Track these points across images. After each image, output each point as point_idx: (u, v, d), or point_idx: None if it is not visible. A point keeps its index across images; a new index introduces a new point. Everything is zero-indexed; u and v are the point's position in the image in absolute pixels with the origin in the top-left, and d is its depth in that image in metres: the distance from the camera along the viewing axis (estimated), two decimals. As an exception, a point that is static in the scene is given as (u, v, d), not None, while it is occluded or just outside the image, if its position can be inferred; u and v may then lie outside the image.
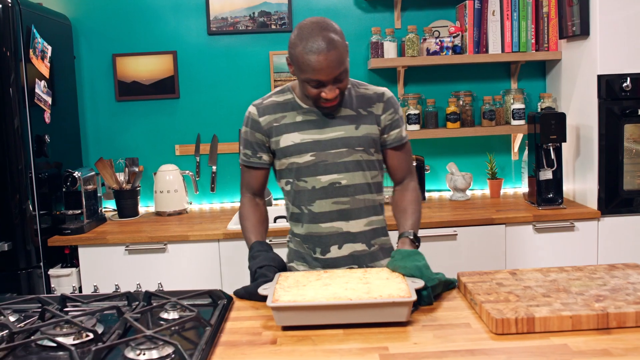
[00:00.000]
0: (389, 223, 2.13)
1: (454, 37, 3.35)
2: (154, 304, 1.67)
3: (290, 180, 2.04)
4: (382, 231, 2.11)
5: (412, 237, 1.95)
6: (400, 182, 2.14)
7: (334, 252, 2.03)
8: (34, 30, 2.95)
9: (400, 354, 1.37)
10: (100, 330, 1.51)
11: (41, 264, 2.94)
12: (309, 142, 1.99)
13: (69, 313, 1.66)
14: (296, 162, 2.00)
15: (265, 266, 1.86)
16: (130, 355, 1.36)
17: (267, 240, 2.91)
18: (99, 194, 3.29)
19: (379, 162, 2.08)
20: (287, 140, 2.00)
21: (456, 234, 2.97)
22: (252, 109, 2.06)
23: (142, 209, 3.56)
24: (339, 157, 1.99)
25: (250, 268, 1.91)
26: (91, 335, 1.46)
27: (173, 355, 1.35)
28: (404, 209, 2.07)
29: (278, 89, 2.09)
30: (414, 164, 2.48)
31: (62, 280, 2.94)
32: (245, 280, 2.93)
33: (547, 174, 3.14)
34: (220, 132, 3.61)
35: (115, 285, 1.86)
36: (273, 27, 3.54)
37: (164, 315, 1.62)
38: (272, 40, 3.57)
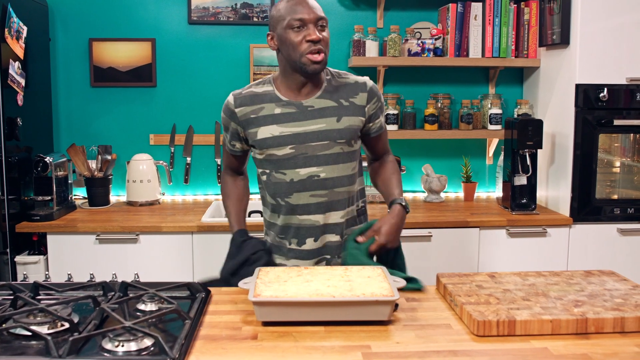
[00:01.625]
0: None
1: (436, 39, 3.37)
2: (131, 295, 1.64)
3: (267, 171, 2.04)
4: (353, 220, 2.11)
5: (404, 204, 2.01)
6: (379, 158, 2.20)
7: (309, 244, 2.04)
8: (10, 10, 2.87)
9: (384, 352, 1.37)
10: (75, 319, 1.47)
11: (8, 250, 2.86)
12: (288, 134, 1.97)
13: (42, 301, 1.61)
14: (275, 154, 1.99)
15: (259, 251, 1.90)
16: (108, 346, 1.33)
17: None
18: (69, 181, 3.22)
19: (358, 151, 2.09)
20: (265, 132, 1.99)
21: (431, 236, 2.98)
22: (230, 98, 2.06)
23: (113, 197, 3.50)
24: (319, 150, 1.98)
25: (235, 254, 1.95)
26: (67, 325, 1.42)
27: (152, 348, 1.33)
28: (388, 179, 2.13)
29: (259, 80, 2.08)
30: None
31: (29, 268, 2.87)
32: (218, 274, 2.91)
33: (521, 180, 3.17)
34: (197, 123, 3.57)
35: (91, 274, 1.82)
36: (255, 19, 3.51)
37: (142, 307, 1.59)
38: (253, 32, 3.54)
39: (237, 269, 1.92)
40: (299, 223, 2.03)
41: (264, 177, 2.06)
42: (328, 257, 2.06)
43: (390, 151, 2.22)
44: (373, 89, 2.06)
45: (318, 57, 1.91)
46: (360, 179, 2.14)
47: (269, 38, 1.98)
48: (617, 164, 3.33)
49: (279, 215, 2.06)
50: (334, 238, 2.05)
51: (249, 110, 2.01)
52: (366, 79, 2.08)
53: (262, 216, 2.20)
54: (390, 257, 2.00)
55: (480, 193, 3.71)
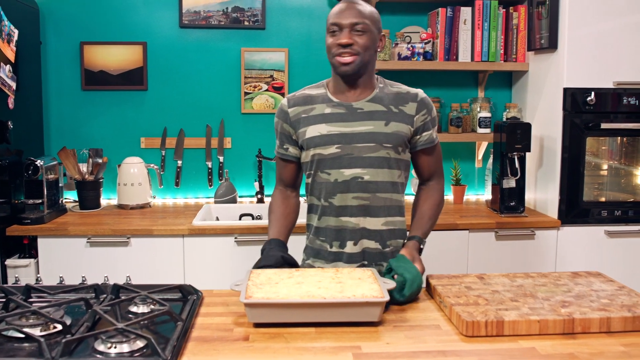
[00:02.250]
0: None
1: (426, 43, 3.40)
2: (123, 297, 1.65)
3: (312, 172, 2.04)
4: (400, 233, 2.07)
5: (420, 243, 1.98)
6: (426, 181, 2.14)
7: (349, 247, 2.02)
8: (1, 13, 2.87)
9: (374, 353, 1.38)
10: (68, 322, 1.48)
11: (-2, 253, 2.86)
12: (335, 134, 1.99)
13: (34, 304, 1.62)
14: (321, 154, 2.00)
15: (264, 267, 1.85)
16: (101, 348, 1.34)
17: (234, 238, 2.90)
18: (60, 184, 3.21)
19: (406, 162, 2.06)
20: (314, 131, 2.01)
21: (421, 238, 3.00)
22: (284, 101, 2.10)
23: (104, 201, 3.49)
24: (365, 152, 1.98)
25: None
26: (59, 327, 1.43)
27: (145, 350, 1.34)
28: (423, 213, 2.08)
29: (315, 84, 2.11)
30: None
31: (20, 271, 2.87)
32: (209, 277, 2.92)
33: (510, 183, 3.20)
34: (187, 126, 3.58)
35: (82, 277, 1.82)
36: (246, 23, 3.52)
37: (134, 309, 1.60)
38: (245, 36, 3.55)
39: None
40: (340, 225, 2.02)
41: (309, 180, 2.07)
42: (366, 263, 2.03)
43: (441, 174, 2.16)
44: (425, 100, 2.05)
45: (346, 59, 1.93)
46: (404, 195, 2.09)
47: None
48: (605, 166, 3.36)
49: (321, 217, 2.05)
50: (372, 245, 2.02)
51: (301, 110, 2.04)
52: (419, 90, 2.07)
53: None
54: None
55: (470, 196, 3.73)
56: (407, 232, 2.09)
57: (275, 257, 1.90)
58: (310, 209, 2.11)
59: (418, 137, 2.05)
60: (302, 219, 2.17)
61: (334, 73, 2.02)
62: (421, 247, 1.99)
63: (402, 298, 1.72)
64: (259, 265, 1.87)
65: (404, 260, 1.83)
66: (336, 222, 2.02)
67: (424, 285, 1.85)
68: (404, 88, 2.08)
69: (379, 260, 2.03)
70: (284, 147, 2.10)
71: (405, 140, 2.02)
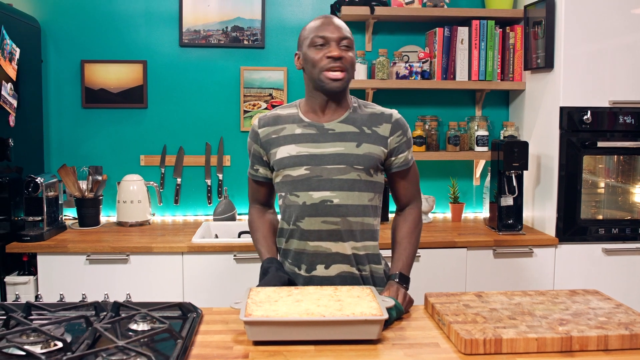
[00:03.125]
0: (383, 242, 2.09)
1: (423, 62, 3.43)
2: (123, 315, 1.66)
3: (283, 194, 2.00)
4: (374, 257, 2.03)
5: (397, 280, 1.92)
6: (403, 208, 2.09)
7: (320, 270, 1.97)
8: (3, 31, 2.90)
9: (373, 371, 1.39)
10: (68, 339, 1.48)
11: (-3, 270, 2.87)
12: (304, 155, 1.94)
13: (35, 321, 1.63)
14: (290, 175, 1.96)
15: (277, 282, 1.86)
16: (101, 365, 1.34)
17: (233, 255, 2.91)
18: (60, 202, 3.23)
19: (379, 185, 2.01)
20: (283, 152, 1.97)
21: (419, 256, 3.01)
22: (255, 121, 2.07)
23: (103, 218, 3.50)
24: (335, 174, 1.93)
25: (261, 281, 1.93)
26: (60, 345, 1.44)
27: (145, 367, 1.34)
28: (399, 242, 2.03)
29: (287, 104, 2.09)
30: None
31: (19, 288, 2.87)
32: (208, 295, 2.92)
33: (508, 201, 3.22)
34: (187, 144, 3.60)
35: (83, 294, 1.83)
36: (245, 42, 3.56)
37: (134, 327, 1.61)
38: (244, 55, 3.58)
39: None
40: (309, 249, 1.97)
41: (280, 202, 2.03)
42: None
43: (419, 201, 2.11)
44: (399, 121, 2.01)
45: (337, 75, 1.91)
46: (379, 219, 2.05)
47: (296, 58, 2.00)
48: (602, 184, 3.39)
49: (289, 240, 2.01)
50: (348, 269, 1.97)
51: (271, 130, 2.01)
52: (394, 111, 2.03)
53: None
54: None
55: (468, 213, 3.75)
56: (381, 257, 2.07)
57: (283, 278, 1.90)
58: (280, 233, 2.07)
59: (393, 159, 2.01)
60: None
61: (311, 91, 1.98)
62: (399, 282, 1.92)
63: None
64: (268, 284, 1.85)
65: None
66: (304, 245, 1.97)
67: (421, 303, 1.86)
68: (378, 109, 2.03)
69: (355, 284, 1.97)
70: (254, 168, 2.09)
71: (377, 162, 1.97)
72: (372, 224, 2.01)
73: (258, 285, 1.89)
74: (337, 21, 1.95)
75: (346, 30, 1.94)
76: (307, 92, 2.01)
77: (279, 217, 2.09)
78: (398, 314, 1.76)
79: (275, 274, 1.91)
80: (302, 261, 1.99)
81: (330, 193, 1.93)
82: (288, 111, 2.04)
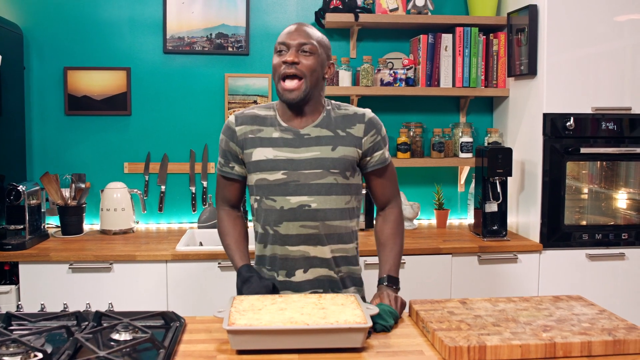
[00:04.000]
0: (371, 249, 2.09)
1: (408, 69, 3.44)
2: (105, 325, 1.64)
3: (258, 197, 1.99)
4: (352, 259, 2.04)
5: (386, 283, 1.94)
6: (383, 207, 2.10)
7: (299, 275, 1.97)
8: (-15, 39, 2.87)
9: (357, 379, 1.38)
10: (49, 350, 1.46)
11: (-22, 280, 2.83)
12: (281, 159, 1.94)
13: (15, 332, 1.61)
14: (266, 179, 1.95)
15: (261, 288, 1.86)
16: (82, 376, 1.33)
17: (217, 263, 2.90)
18: (42, 210, 3.19)
19: (356, 186, 2.02)
20: (260, 154, 1.96)
21: (404, 262, 3.01)
22: (231, 118, 2.04)
23: (86, 226, 3.47)
24: (312, 179, 1.93)
25: (242, 291, 1.90)
26: (40, 355, 1.42)
27: (127, 378, 1.33)
28: (383, 244, 2.05)
29: (263, 104, 2.07)
30: (364, 191, 2.42)
31: (1, 298, 2.83)
32: (192, 303, 2.90)
33: (492, 207, 3.23)
34: (171, 151, 3.58)
35: (64, 304, 1.81)
36: (230, 49, 3.55)
37: (115, 337, 1.59)
38: (228, 62, 3.58)
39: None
40: (287, 254, 1.97)
41: (255, 205, 2.01)
42: (321, 290, 1.98)
43: (398, 199, 2.12)
44: (372, 120, 2.02)
45: (292, 85, 1.91)
46: (358, 220, 2.07)
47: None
48: (585, 190, 3.41)
49: (267, 245, 2.00)
50: (325, 272, 1.98)
51: (249, 129, 2.00)
52: (367, 111, 2.04)
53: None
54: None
55: (453, 220, 3.76)
56: (358, 258, 2.08)
57: (268, 286, 1.89)
58: (256, 238, 2.05)
59: (368, 158, 2.01)
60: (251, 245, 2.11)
61: (280, 99, 1.98)
62: (394, 287, 1.95)
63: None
64: (254, 292, 1.85)
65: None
66: (282, 250, 1.97)
67: (406, 310, 1.85)
68: (351, 109, 2.04)
69: (333, 287, 1.99)
70: (230, 165, 2.05)
71: (353, 163, 1.98)
72: (350, 226, 2.02)
73: (239, 294, 1.88)
74: (304, 28, 1.94)
75: (310, 35, 1.93)
76: (279, 99, 2.01)
77: (252, 219, 2.07)
78: (395, 319, 1.76)
79: (260, 283, 1.90)
80: (281, 266, 1.99)
81: (307, 198, 1.94)
82: (266, 112, 2.03)
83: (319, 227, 1.95)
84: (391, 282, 1.96)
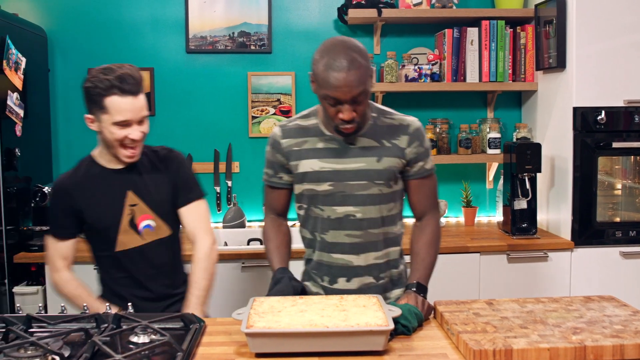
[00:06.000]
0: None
1: (433, 64, 3.38)
2: (124, 327, 1.62)
3: (305, 205, 2.02)
4: (394, 263, 2.06)
5: (414, 289, 1.91)
6: (420, 218, 2.09)
7: (342, 283, 2.00)
8: (9, 41, 2.89)
9: (378, 384, 1.34)
10: (66, 353, 1.45)
11: (6, 281, 2.85)
12: (328, 170, 1.95)
13: (34, 334, 1.60)
14: (314, 190, 1.97)
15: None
16: (98, 380, 1.31)
17: (241, 263, 2.88)
18: (68, 211, 3.21)
19: (399, 192, 2.03)
20: (306, 166, 1.97)
21: (431, 261, 2.95)
22: (276, 130, 2.05)
23: (112, 227, 3.48)
24: (357, 190, 1.95)
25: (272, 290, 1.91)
26: (57, 359, 1.41)
27: (143, 382, 1.31)
28: (417, 253, 2.04)
29: (304, 112, 2.06)
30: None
31: (27, 299, 2.85)
32: (216, 304, 2.88)
33: (521, 204, 3.15)
34: (195, 151, 3.57)
35: (84, 306, 1.80)
36: (252, 47, 3.53)
37: (134, 339, 1.57)
38: (251, 60, 3.56)
39: None
40: (332, 262, 2.00)
41: (302, 212, 2.05)
42: None
43: (436, 210, 2.10)
44: (417, 132, 1.99)
45: (349, 130, 1.88)
46: (400, 223, 2.08)
47: (311, 79, 1.90)
48: (619, 186, 3.31)
49: (315, 251, 2.03)
50: (368, 280, 2.00)
51: (294, 142, 2.00)
52: (412, 121, 2.00)
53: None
54: None
55: (481, 217, 3.68)
56: (401, 262, 2.10)
57: (297, 288, 1.91)
58: (304, 241, 2.10)
59: (409, 167, 2.00)
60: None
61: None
62: (415, 291, 1.90)
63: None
64: (281, 293, 1.85)
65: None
66: (328, 258, 2.00)
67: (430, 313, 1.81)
68: (397, 118, 2.00)
69: (377, 292, 1.99)
70: (278, 175, 2.06)
71: (396, 173, 1.98)
72: (394, 232, 2.05)
73: (268, 294, 1.86)
74: (352, 75, 1.79)
75: (360, 79, 1.80)
76: (321, 105, 1.94)
77: (299, 226, 2.11)
78: (419, 321, 1.73)
79: (289, 283, 1.90)
80: (325, 272, 2.02)
81: (353, 208, 1.95)
82: (309, 122, 2.02)
83: (363, 235, 1.97)
84: (420, 289, 1.93)
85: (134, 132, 1.99)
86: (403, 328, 1.66)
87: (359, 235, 1.97)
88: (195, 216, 2.16)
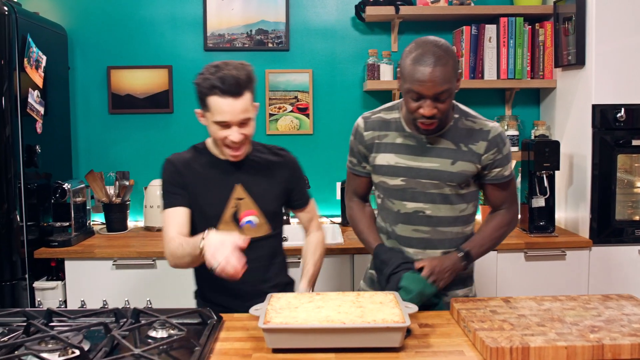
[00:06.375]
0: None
1: (450, 62, 3.36)
2: (143, 322, 1.65)
3: (381, 196, 2.09)
4: None
5: (461, 254, 1.97)
6: (495, 210, 2.11)
7: None
8: (30, 40, 2.93)
9: (394, 380, 1.35)
10: (86, 347, 1.48)
11: (26, 276, 2.88)
12: (402, 166, 1.99)
13: (55, 328, 1.63)
14: (387, 183, 2.03)
15: (402, 264, 1.93)
16: (117, 374, 1.33)
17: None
18: (87, 207, 3.24)
19: (472, 194, 2.04)
20: (383, 159, 2.02)
21: (447, 259, 2.95)
22: (360, 121, 2.10)
23: (131, 223, 3.51)
24: (428, 188, 1.98)
25: (383, 270, 1.98)
26: (77, 352, 1.43)
27: (161, 376, 1.32)
28: (481, 230, 2.08)
29: (388, 104, 2.10)
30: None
31: (47, 294, 2.89)
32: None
33: (539, 202, 3.13)
34: (213, 148, 3.59)
35: (103, 301, 1.83)
36: (270, 45, 3.54)
37: (153, 334, 1.59)
38: (269, 58, 3.57)
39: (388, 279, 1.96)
40: None
41: (379, 201, 2.12)
42: None
43: (513, 204, 2.10)
44: (496, 139, 1.98)
45: (427, 127, 1.90)
46: (473, 224, 2.10)
47: (399, 76, 1.94)
48: (638, 184, 3.27)
49: (388, 240, 2.09)
50: None
51: (376, 135, 2.05)
52: (493, 126, 2.00)
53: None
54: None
55: (499, 215, 3.66)
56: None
57: (407, 257, 1.99)
58: (379, 229, 2.15)
59: (486, 172, 2.01)
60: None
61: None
62: (459, 255, 1.97)
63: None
64: (397, 264, 1.94)
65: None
66: (399, 249, 2.05)
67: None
68: (478, 123, 2.00)
69: (444, 290, 2.02)
70: (362, 165, 2.12)
71: (469, 177, 1.99)
72: (465, 232, 2.06)
73: (379, 272, 2.00)
74: (437, 70, 1.81)
75: (445, 77, 1.82)
76: (404, 100, 1.96)
77: (377, 212, 2.18)
78: (422, 292, 1.84)
79: (398, 253, 2.00)
80: None
81: (423, 205, 2.00)
82: (391, 116, 2.05)
83: (431, 232, 2.01)
84: (465, 257, 1.98)
85: (234, 134, 1.94)
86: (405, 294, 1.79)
87: (426, 232, 2.01)
88: (311, 215, 2.24)
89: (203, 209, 2.04)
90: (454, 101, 2.01)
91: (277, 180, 2.11)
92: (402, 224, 2.02)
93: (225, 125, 1.94)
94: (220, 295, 2.05)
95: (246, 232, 2.03)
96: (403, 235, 2.03)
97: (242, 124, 1.95)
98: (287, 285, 2.17)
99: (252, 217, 2.04)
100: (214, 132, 1.98)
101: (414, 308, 1.64)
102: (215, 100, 1.93)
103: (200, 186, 2.04)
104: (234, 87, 1.90)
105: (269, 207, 2.08)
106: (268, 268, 2.10)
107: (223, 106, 1.92)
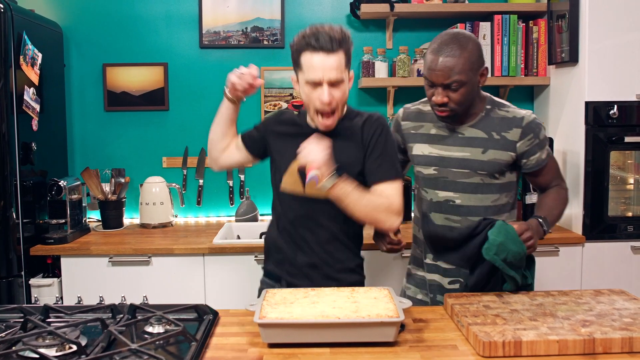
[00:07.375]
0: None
1: (445, 59, 3.38)
2: (139, 317, 1.66)
3: (417, 186, 2.19)
4: None
5: (540, 220, 1.95)
6: (545, 190, 2.14)
7: (442, 263, 2.11)
8: (25, 37, 2.93)
9: (388, 374, 1.37)
10: (83, 342, 1.48)
11: (22, 273, 2.89)
12: (434, 156, 2.06)
13: (52, 324, 1.64)
14: (421, 172, 2.11)
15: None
16: (114, 368, 1.34)
17: (254, 256, 2.91)
18: (83, 204, 3.25)
19: (507, 184, 2.06)
20: (418, 149, 2.11)
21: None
22: (400, 112, 2.21)
23: (126, 220, 3.52)
24: (459, 177, 2.03)
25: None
26: (74, 348, 1.44)
27: (158, 370, 1.34)
28: (540, 202, 2.09)
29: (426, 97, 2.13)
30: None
31: (43, 290, 2.90)
32: (229, 296, 2.92)
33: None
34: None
35: (100, 297, 1.84)
36: (265, 42, 3.55)
37: (149, 329, 1.60)
38: (264, 55, 3.58)
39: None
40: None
41: (416, 192, 2.22)
42: (462, 280, 2.06)
43: (561, 181, 2.15)
44: (531, 125, 2.02)
45: (441, 113, 1.97)
46: (510, 213, 2.11)
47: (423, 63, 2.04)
48: (631, 180, 3.30)
49: (420, 229, 2.16)
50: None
51: (412, 125, 2.14)
52: (526, 113, 2.04)
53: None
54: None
55: (493, 212, 3.68)
56: None
57: None
58: (414, 221, 2.24)
59: (525, 161, 2.05)
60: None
61: None
62: (540, 222, 1.95)
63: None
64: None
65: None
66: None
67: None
68: (512, 112, 2.04)
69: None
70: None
71: (502, 166, 2.02)
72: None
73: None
74: (447, 60, 1.89)
75: (454, 71, 1.89)
76: None
77: (416, 206, 2.27)
78: (505, 249, 1.80)
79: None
80: (428, 250, 2.13)
81: (453, 194, 2.06)
82: (428, 107, 2.12)
83: (462, 221, 2.05)
84: (544, 220, 1.96)
85: (324, 94, 1.86)
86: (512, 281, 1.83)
87: (457, 221, 2.05)
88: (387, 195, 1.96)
89: (277, 154, 2.11)
90: (486, 93, 2.07)
91: (359, 146, 1.98)
92: (434, 213, 2.09)
93: (317, 83, 1.88)
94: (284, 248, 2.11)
95: (308, 188, 1.94)
96: (435, 223, 2.07)
97: (334, 85, 1.88)
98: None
99: (317, 171, 1.85)
100: (306, 95, 1.92)
101: (408, 303, 1.66)
102: (307, 57, 1.88)
103: (280, 139, 2.12)
104: (327, 43, 1.85)
105: (343, 170, 1.92)
106: (326, 239, 2.04)
107: (315, 62, 1.86)
